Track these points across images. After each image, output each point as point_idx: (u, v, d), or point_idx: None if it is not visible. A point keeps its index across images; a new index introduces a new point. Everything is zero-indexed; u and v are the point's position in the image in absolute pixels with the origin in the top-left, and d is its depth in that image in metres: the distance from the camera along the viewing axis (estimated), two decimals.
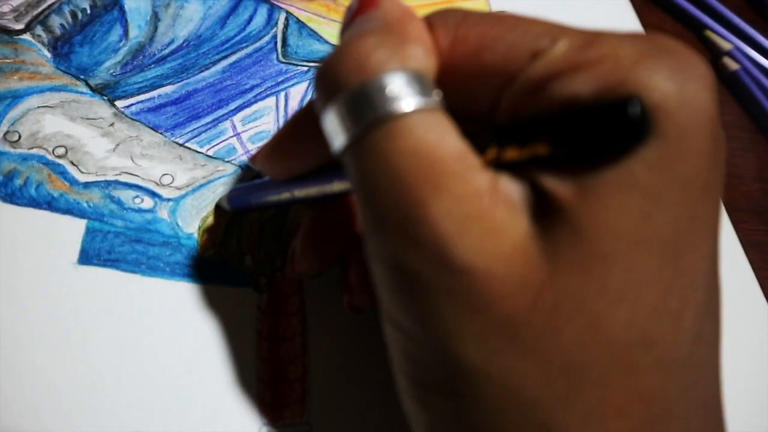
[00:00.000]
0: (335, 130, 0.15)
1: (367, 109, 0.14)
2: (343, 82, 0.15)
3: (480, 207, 0.14)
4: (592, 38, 0.14)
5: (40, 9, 0.28)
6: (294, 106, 0.29)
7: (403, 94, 0.14)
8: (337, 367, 0.24)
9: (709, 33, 0.38)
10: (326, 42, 0.31)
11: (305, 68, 0.30)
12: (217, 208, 0.26)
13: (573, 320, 0.13)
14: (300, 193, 0.20)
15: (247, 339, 0.24)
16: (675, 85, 0.13)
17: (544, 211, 0.14)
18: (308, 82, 0.30)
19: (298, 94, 0.29)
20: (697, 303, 0.14)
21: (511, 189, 0.14)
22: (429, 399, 0.15)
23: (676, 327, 0.14)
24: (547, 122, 0.14)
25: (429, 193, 0.14)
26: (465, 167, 0.14)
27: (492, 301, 0.13)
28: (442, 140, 0.14)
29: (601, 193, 0.13)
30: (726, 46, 0.38)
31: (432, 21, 0.16)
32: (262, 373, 0.23)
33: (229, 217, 0.26)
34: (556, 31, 0.15)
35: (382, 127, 0.14)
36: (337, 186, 0.19)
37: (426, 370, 0.15)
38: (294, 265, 0.23)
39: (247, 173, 0.27)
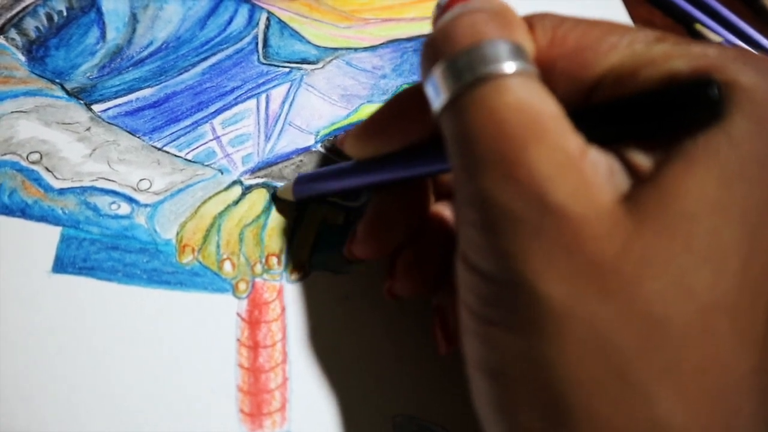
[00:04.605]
0: (439, 89, 0.17)
1: (475, 67, 0.16)
2: (453, 44, 0.16)
3: (573, 162, 0.15)
4: (687, 41, 0.16)
5: (14, 12, 0.28)
6: (275, 108, 0.29)
7: (508, 59, 0.16)
8: (318, 374, 0.23)
9: (699, 26, 0.38)
10: (308, 42, 0.31)
11: (287, 69, 0.30)
12: (276, 200, 0.26)
13: (659, 274, 0.14)
14: (375, 177, 0.22)
15: (227, 347, 0.23)
16: (761, 80, 0.15)
17: (630, 180, 0.15)
18: (290, 83, 0.29)
19: (280, 95, 0.29)
20: None
21: (599, 158, 0.16)
22: (499, 338, 0.16)
23: (756, 304, 0.14)
24: (636, 101, 0.16)
25: (529, 141, 0.15)
26: (561, 127, 0.15)
27: (582, 244, 0.14)
28: (542, 101, 0.15)
29: (685, 161, 0.14)
30: (716, 39, 0.37)
31: (531, 21, 0.18)
32: (241, 382, 0.23)
33: (208, 222, 0.25)
34: (652, 34, 0.16)
35: (487, 83, 0.16)
36: (415, 169, 0.21)
37: (500, 310, 0.16)
38: (352, 247, 0.24)
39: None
